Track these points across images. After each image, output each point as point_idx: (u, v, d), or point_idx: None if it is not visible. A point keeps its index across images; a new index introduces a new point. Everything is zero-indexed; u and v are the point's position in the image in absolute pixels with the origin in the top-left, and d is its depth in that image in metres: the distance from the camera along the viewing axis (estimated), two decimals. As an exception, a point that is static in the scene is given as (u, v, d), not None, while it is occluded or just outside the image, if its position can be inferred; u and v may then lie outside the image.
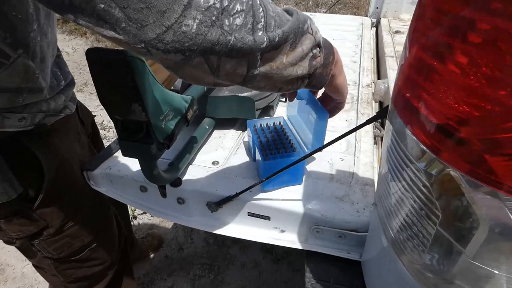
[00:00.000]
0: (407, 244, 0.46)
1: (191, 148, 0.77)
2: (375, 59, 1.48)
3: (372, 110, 1.04)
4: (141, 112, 0.49)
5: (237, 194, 0.68)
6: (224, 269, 1.64)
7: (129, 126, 0.54)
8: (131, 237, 1.44)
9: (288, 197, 0.70)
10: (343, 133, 0.52)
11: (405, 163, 0.43)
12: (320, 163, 0.78)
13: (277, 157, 0.69)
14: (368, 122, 0.49)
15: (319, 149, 0.56)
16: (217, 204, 0.72)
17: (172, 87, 0.90)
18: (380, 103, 1.25)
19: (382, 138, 1.03)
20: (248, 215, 0.73)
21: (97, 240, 0.80)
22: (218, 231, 0.74)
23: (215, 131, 0.90)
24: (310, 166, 0.77)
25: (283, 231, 0.72)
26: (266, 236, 0.73)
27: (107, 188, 0.80)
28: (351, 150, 0.84)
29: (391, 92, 1.15)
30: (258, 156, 0.69)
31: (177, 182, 0.73)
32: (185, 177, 0.75)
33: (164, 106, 0.55)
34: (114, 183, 0.79)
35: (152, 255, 1.69)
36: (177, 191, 0.74)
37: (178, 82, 0.88)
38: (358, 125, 0.49)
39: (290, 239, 0.71)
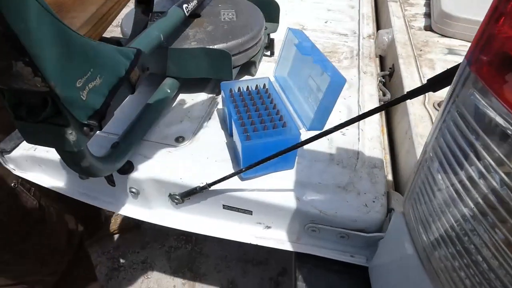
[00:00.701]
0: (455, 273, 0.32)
1: (145, 120, 0.57)
2: (373, 4, 1.26)
3: (376, 67, 0.85)
4: (32, 76, 0.29)
5: (208, 186, 0.50)
6: (201, 240, 1.52)
7: (25, 99, 0.33)
8: (99, 218, 1.27)
9: (275, 187, 0.54)
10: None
11: (478, 155, 0.26)
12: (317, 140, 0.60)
13: (261, 136, 0.50)
14: (411, 95, 0.31)
15: (322, 135, 0.38)
16: (182, 196, 0.54)
17: (119, 37, 0.67)
18: (381, 58, 1.06)
19: (388, 103, 0.86)
20: (224, 208, 0.56)
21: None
22: (186, 228, 0.58)
23: (180, 95, 0.70)
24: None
25: (268, 228, 0.57)
26: (246, 233, 0.57)
27: (35, 174, 0.60)
28: (354, 121, 0.66)
29: (397, 44, 0.96)
30: (236, 134, 0.51)
31: (126, 168, 0.54)
32: (139, 160, 0.57)
33: (83, 64, 0.35)
34: (44, 168, 0.59)
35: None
36: (127, 179, 0.55)
37: (127, 28, 0.65)
38: (390, 100, 0.31)
39: (277, 238, 0.56)
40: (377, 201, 0.53)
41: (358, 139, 0.62)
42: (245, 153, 0.49)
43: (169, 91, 0.64)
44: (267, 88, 0.61)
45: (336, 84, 0.48)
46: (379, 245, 0.49)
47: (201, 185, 0.52)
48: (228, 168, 0.56)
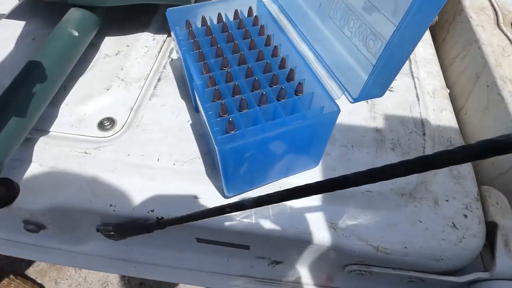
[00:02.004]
0: None
1: (28, 98, 0.29)
2: None
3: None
4: None
5: (159, 226, 0.25)
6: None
7: None
8: None
9: (286, 204, 0.29)
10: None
11: None
12: (350, 105, 0.34)
13: (256, 120, 0.24)
14: None
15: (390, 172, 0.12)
16: (119, 234, 0.30)
17: None
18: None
19: (434, 26, 0.59)
20: (199, 242, 0.32)
21: None
22: (137, 274, 0.34)
23: (104, 40, 0.41)
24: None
25: (276, 263, 0.34)
26: (239, 275, 0.34)
27: None
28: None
29: None
30: (205, 117, 0.25)
31: (0, 195, 0.28)
32: (28, 172, 0.30)
33: None
34: None
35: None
36: (12, 210, 0.30)
37: None
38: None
39: (292, 279, 0.33)
40: (470, 212, 0.29)
41: (417, 95, 0.37)
42: (226, 165, 0.23)
43: (76, 33, 0.35)
44: (256, 16, 0.33)
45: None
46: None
47: (148, 217, 0.27)
48: (198, 173, 0.30)
